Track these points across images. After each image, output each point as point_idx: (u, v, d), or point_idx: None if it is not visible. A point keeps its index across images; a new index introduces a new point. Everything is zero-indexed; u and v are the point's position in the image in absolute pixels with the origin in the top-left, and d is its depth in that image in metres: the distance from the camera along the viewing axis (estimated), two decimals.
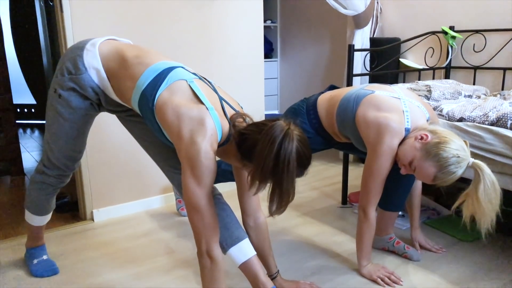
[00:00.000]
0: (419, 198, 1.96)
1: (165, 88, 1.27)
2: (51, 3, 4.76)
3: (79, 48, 1.42)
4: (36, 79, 4.96)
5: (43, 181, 1.61)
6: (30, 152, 3.86)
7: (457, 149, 1.48)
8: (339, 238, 2.10)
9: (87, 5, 2.11)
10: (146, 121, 1.36)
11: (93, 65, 1.38)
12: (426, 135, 1.54)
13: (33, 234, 1.79)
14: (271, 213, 1.23)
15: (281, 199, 1.20)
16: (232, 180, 1.98)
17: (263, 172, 1.18)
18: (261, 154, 1.17)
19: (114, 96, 1.42)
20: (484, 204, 1.43)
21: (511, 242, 2.03)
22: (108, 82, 1.39)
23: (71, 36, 2.10)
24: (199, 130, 1.20)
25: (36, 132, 4.71)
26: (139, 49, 1.41)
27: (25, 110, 5.09)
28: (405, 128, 1.61)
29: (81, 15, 2.11)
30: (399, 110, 1.63)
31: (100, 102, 1.48)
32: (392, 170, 1.68)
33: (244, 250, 1.42)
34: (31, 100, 5.03)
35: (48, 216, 1.75)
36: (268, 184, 1.22)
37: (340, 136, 1.82)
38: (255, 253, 1.45)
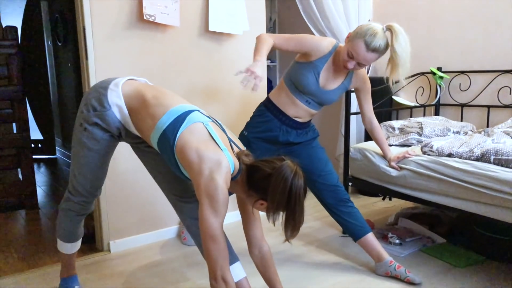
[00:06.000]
0: (380, 131, 2.28)
1: (185, 129, 1.46)
2: (59, 43, 5.02)
3: (103, 87, 1.60)
4: (43, 115, 5.15)
5: (69, 208, 1.75)
6: (40, 186, 3.99)
7: (368, 27, 1.93)
8: (343, 266, 2.25)
9: (110, 54, 2.33)
10: (164, 156, 1.54)
11: (116, 103, 1.57)
12: (349, 33, 1.98)
13: (65, 263, 1.91)
14: (287, 238, 1.45)
15: (294, 226, 1.44)
16: None
17: (278, 206, 1.42)
18: (275, 190, 1.40)
19: (133, 130, 1.61)
20: (402, 58, 2.02)
21: (502, 268, 2.19)
22: (129, 118, 1.58)
23: (95, 82, 2.30)
24: (217, 169, 1.39)
25: (43, 168, 4.83)
26: (156, 89, 1.61)
27: (32, 145, 5.24)
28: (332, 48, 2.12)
29: (105, 63, 2.32)
30: None
31: (120, 134, 1.66)
32: (339, 211, 2.16)
33: (235, 272, 1.64)
34: (38, 136, 5.20)
35: (78, 244, 1.86)
36: (281, 214, 1.44)
37: (303, 95, 2.15)
38: (245, 275, 1.67)
